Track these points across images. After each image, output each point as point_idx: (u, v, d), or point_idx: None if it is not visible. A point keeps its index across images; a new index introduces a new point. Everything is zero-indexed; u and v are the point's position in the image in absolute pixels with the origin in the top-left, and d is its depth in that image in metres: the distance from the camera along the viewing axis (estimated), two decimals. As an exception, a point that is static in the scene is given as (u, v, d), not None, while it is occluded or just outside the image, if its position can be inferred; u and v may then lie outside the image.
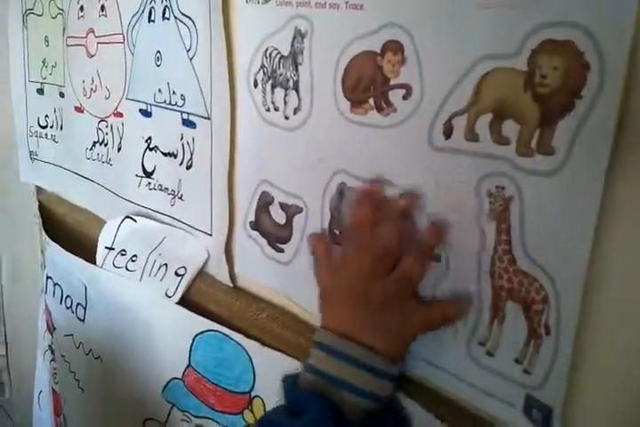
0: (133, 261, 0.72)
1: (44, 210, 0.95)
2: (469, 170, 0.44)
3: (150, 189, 0.76)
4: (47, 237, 0.84)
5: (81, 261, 0.77)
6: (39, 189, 1.05)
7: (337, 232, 0.55)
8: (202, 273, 0.69)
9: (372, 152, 0.50)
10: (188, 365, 0.67)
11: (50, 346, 1.01)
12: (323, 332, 0.51)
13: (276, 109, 0.59)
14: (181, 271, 0.68)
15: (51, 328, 0.94)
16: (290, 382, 0.52)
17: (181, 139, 0.71)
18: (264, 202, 0.62)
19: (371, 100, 0.50)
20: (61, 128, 0.98)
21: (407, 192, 0.48)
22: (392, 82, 0.48)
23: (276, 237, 0.62)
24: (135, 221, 0.74)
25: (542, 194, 0.40)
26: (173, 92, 0.71)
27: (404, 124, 0.48)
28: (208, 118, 0.66)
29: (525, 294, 0.42)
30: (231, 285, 0.67)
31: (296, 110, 0.57)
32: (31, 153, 1.06)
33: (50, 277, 0.84)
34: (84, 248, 0.83)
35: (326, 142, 0.54)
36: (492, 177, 0.43)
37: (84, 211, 0.89)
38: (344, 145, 0.53)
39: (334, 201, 0.55)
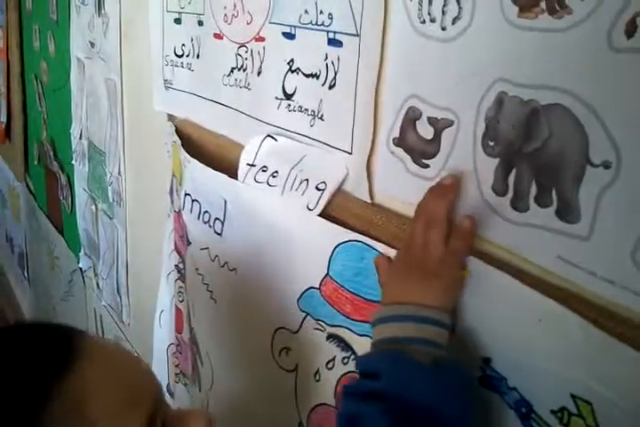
0: (274, 176, 0.75)
1: (179, 134, 0.99)
2: (653, 69, 0.43)
3: (290, 111, 0.78)
4: (187, 155, 0.88)
5: (223, 176, 0.80)
6: (171, 118, 1.10)
7: (491, 144, 0.55)
8: (340, 191, 0.71)
9: (540, 58, 0.50)
10: (327, 274, 0.69)
11: (176, 266, 1.06)
12: (375, 311, 0.60)
13: (433, 21, 0.59)
14: (322, 186, 0.70)
15: (181, 247, 0.99)
16: (359, 359, 0.61)
17: (325, 59, 0.72)
18: (411, 117, 0.63)
19: (542, 4, 0.49)
20: (198, 56, 1.01)
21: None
22: (569, -18, 0.47)
23: (422, 152, 0.62)
24: (276, 140, 0.77)
25: None
26: (321, 12, 0.72)
27: (581, 26, 0.47)
28: (357, 35, 0.67)
29: None
30: (370, 201, 0.68)
31: (455, 20, 0.56)
32: (165, 81, 1.10)
33: (188, 194, 0.88)
34: (220, 170, 0.85)
35: (487, 51, 0.54)
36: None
37: (220, 136, 0.92)
38: (508, 52, 0.52)
39: (491, 111, 0.55)
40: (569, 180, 0.49)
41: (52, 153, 1.88)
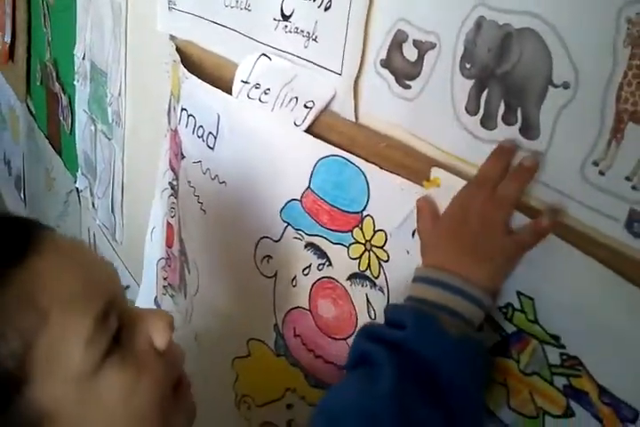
0: (266, 93, 0.78)
1: (179, 53, 1.02)
2: (612, -3, 0.47)
3: (286, 33, 0.81)
4: (186, 71, 0.92)
5: (218, 91, 0.84)
6: (173, 39, 1.12)
7: (467, 66, 0.59)
8: (327, 110, 0.75)
9: (516, -17, 0.53)
10: (308, 187, 0.74)
11: (170, 183, 1.11)
12: (421, 268, 0.59)
13: (424, -53, 0.62)
14: (310, 105, 0.74)
15: (175, 165, 1.03)
16: (390, 306, 0.59)
17: (323, -19, 0.75)
18: (398, 40, 0.66)
19: None
20: (202, -23, 1.02)
21: (532, 154, 0.54)
22: None
23: (405, 73, 0.66)
24: (270, 59, 0.80)
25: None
26: (321, -64, 0.74)
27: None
28: (355, -42, 0.70)
29: (647, 115, 0.46)
30: (355, 120, 0.72)
31: (443, -54, 0.60)
32: (170, 2, 1.12)
33: (184, 109, 0.92)
34: (216, 88, 0.89)
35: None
36: (633, 4, 0.46)
37: (218, 56, 0.95)
38: (489, -22, 0.56)
39: (470, 35, 0.59)
40: (533, 99, 0.54)
41: (54, 74, 1.89)
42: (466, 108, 0.60)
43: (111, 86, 1.44)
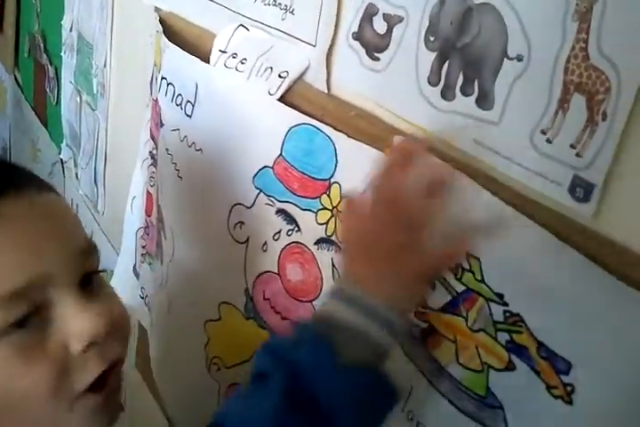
0: (243, 63, 0.81)
1: (162, 24, 1.03)
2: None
3: (265, 5, 0.83)
4: (166, 40, 0.94)
5: (196, 60, 0.86)
6: (157, 11, 1.14)
7: (431, 39, 0.62)
8: (300, 81, 0.78)
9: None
10: (280, 154, 0.76)
11: (150, 152, 1.13)
12: (344, 281, 0.59)
13: None
14: (284, 75, 0.77)
15: (156, 134, 1.06)
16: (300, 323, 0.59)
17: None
18: (369, 13, 0.69)
19: None
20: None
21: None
22: None
23: (375, 46, 0.69)
24: (248, 29, 0.82)
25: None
26: None
27: None
28: None
29: (591, 86, 0.49)
30: (326, 91, 0.75)
31: None
32: (154, -25, 1.13)
33: (164, 78, 0.94)
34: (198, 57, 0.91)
35: (437, -47, 0.60)
36: (582, -20, 0.49)
37: (200, 27, 0.97)
38: (453, -46, 0.58)
39: (435, 9, 0.61)
40: (489, 71, 0.56)
41: (42, 45, 1.90)
42: (428, 80, 0.63)
43: (97, 58, 1.46)
